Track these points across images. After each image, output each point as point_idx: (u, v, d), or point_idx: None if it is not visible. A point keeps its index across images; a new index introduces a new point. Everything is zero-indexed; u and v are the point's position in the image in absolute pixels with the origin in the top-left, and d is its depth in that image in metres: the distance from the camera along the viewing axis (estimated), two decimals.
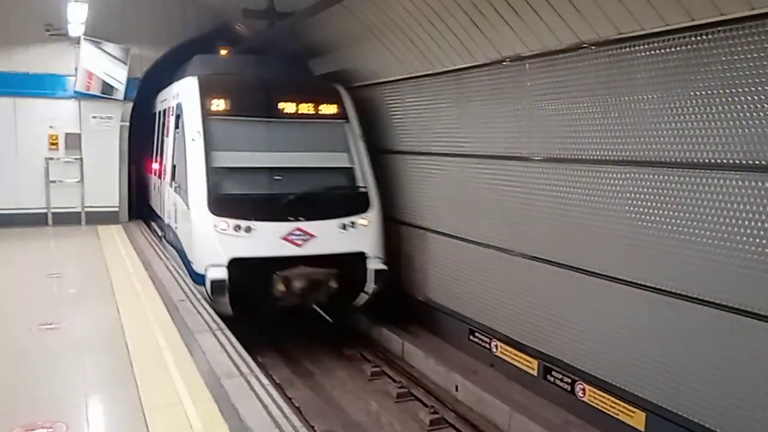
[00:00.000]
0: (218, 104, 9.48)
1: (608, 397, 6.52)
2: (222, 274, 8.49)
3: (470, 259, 8.76)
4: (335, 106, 10.16)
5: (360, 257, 9.25)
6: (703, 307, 5.49)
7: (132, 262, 10.10)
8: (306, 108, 9.91)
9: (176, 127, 10.22)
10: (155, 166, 12.55)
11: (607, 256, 6.48)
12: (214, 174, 9.12)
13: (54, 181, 13.42)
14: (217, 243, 8.70)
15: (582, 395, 6.86)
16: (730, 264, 5.23)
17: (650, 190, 5.97)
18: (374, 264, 9.30)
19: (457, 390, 8.12)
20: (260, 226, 8.84)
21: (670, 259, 5.79)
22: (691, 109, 5.50)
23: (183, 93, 9.96)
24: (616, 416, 6.43)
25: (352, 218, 9.37)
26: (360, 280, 9.29)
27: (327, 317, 9.19)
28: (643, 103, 5.99)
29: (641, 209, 6.06)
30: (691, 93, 5.48)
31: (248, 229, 8.79)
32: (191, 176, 9.16)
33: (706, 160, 5.40)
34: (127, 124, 13.95)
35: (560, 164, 7.05)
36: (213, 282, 8.45)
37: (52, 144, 13.40)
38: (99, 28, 12.87)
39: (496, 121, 8.07)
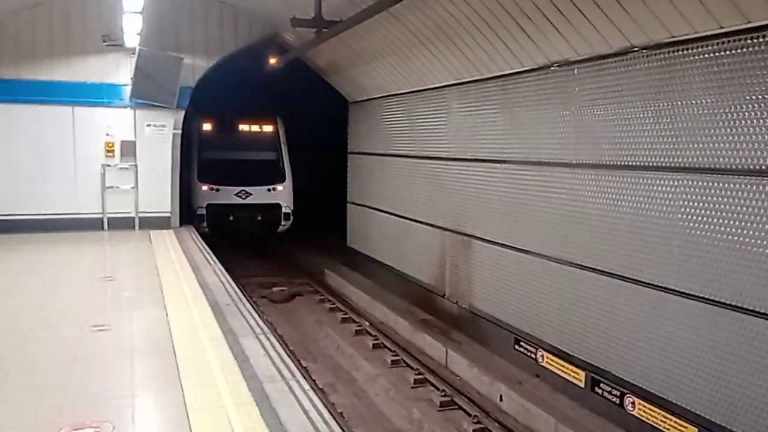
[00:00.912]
0: (206, 127, 16.85)
1: (659, 411, 6.30)
2: (203, 211, 15.54)
3: (516, 268, 8.61)
4: (271, 126, 17.34)
5: (278, 206, 16.27)
6: (761, 320, 5.25)
7: (181, 267, 10.32)
8: (254, 128, 17.38)
9: (190, 138, 16.44)
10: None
11: (659, 265, 6.28)
12: (202, 162, 16.28)
13: (110, 187, 13.85)
14: (201, 196, 15.76)
15: (631, 409, 6.65)
16: None
17: (705, 197, 5.76)
18: (286, 209, 16.29)
19: (501, 400, 7.99)
20: (223, 188, 15.87)
21: (726, 270, 5.56)
22: (747, 113, 5.31)
23: (192, 122, 16.35)
24: (666, 431, 6.21)
25: (274, 185, 16.40)
26: (278, 219, 16.27)
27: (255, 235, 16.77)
28: (696, 108, 5.80)
29: (695, 218, 5.85)
30: (747, 97, 5.28)
31: (217, 190, 15.83)
32: (192, 163, 16.25)
33: (764, 167, 5.18)
34: (180, 132, 14.32)
35: (610, 171, 6.87)
36: (198, 215, 15.50)
37: (109, 151, 13.83)
38: (153, 38, 13.26)
39: (544, 127, 7.94)
